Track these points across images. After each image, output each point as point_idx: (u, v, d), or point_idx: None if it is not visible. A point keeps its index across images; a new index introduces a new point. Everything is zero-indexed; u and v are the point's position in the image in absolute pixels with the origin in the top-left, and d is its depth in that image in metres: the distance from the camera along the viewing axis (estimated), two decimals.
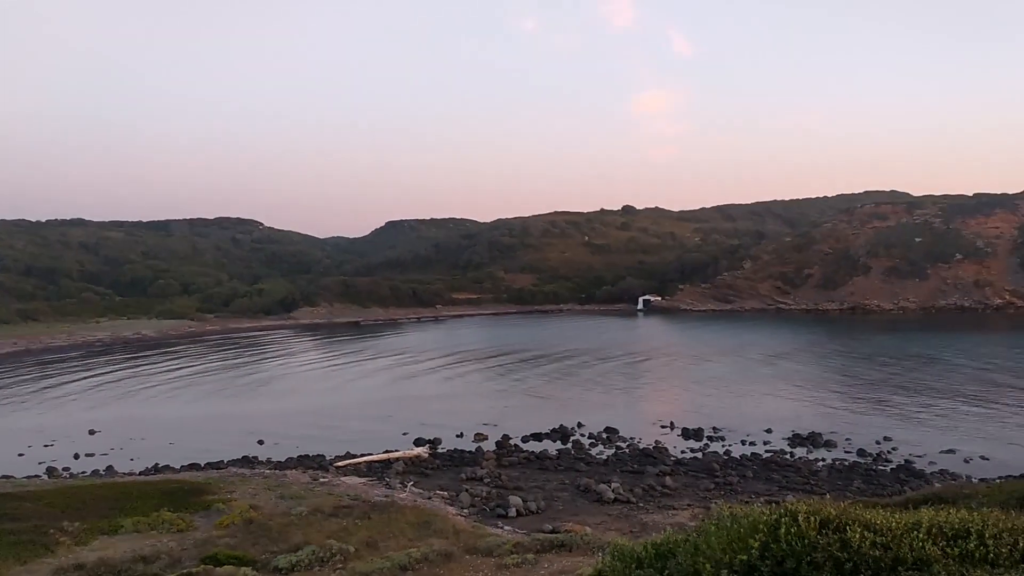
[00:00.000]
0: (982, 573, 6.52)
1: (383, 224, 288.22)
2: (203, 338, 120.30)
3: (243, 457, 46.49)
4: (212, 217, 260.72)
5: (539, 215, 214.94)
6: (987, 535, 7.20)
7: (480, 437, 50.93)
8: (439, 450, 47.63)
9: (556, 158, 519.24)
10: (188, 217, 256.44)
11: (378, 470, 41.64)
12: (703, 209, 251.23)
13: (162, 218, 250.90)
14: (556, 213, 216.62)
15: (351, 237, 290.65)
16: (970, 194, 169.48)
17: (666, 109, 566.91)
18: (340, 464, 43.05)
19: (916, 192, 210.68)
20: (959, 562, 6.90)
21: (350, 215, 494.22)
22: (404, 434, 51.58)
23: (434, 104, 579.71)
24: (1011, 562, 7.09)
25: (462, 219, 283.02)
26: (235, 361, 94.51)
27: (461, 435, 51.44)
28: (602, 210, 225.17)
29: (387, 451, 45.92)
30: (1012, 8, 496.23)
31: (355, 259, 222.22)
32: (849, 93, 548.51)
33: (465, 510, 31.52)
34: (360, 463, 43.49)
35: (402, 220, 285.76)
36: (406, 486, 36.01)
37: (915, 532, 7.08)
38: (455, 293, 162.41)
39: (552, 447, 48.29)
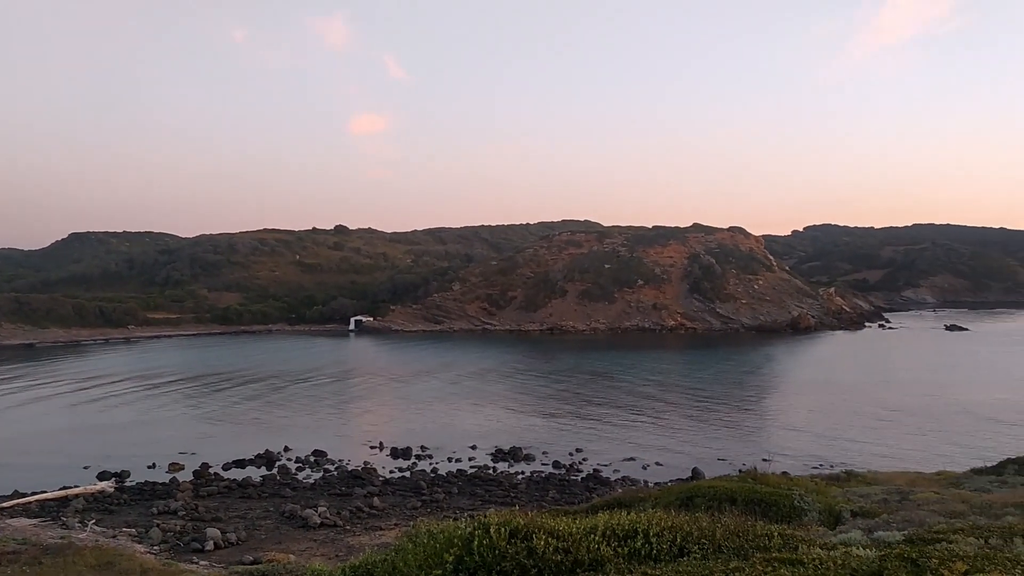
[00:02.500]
0: (647, 568, 7.23)
1: (66, 236, 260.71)
2: None
3: None
4: None
5: (247, 232, 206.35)
6: (651, 534, 7.99)
7: (175, 467, 47.46)
8: (127, 483, 43.62)
9: (266, 175, 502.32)
10: None
11: (53, 509, 37.15)
12: (415, 231, 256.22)
13: None
14: (266, 231, 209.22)
15: (25, 249, 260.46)
16: (650, 226, 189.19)
17: (381, 131, 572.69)
18: (5, 505, 37.85)
19: (606, 223, 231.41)
20: (628, 560, 7.59)
21: (24, 225, 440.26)
22: (86, 467, 46.64)
23: (127, 107, 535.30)
24: (670, 556, 7.94)
25: (160, 233, 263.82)
26: None
27: (153, 466, 47.56)
28: (314, 229, 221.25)
29: (64, 488, 41.17)
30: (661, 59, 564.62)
31: (30, 273, 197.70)
32: (544, 128, 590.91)
33: (156, 547, 29.09)
34: (31, 502, 38.55)
35: (88, 232, 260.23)
36: (87, 525, 32.46)
37: (592, 535, 7.69)
38: (151, 312, 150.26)
39: (256, 474, 46.27)
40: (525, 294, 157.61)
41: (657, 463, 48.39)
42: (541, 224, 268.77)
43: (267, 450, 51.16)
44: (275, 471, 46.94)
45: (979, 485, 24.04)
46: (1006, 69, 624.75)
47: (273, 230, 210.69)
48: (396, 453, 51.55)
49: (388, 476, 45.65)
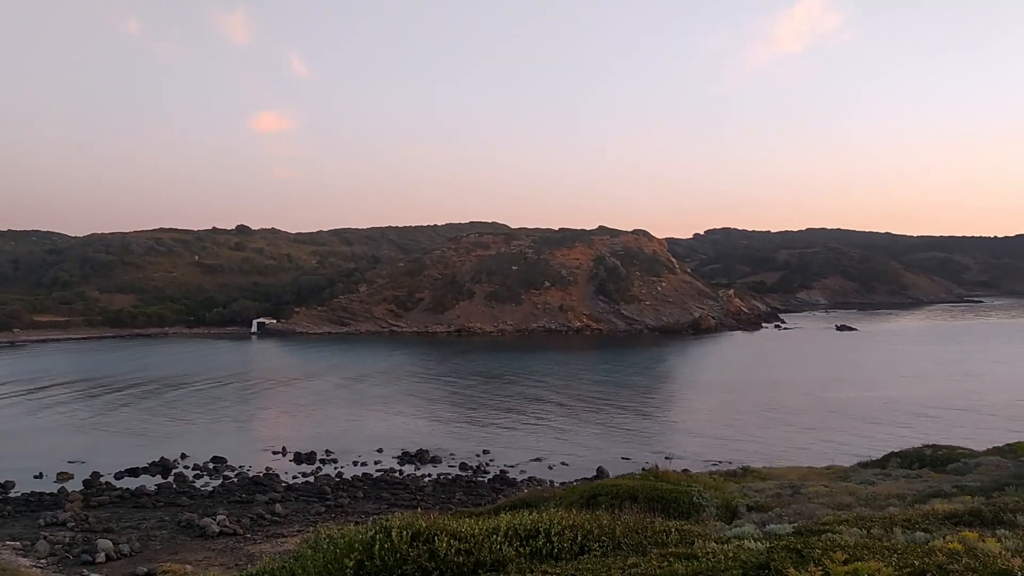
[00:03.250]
0: (547, 567, 7.31)
1: None
2: None
3: None
4: None
5: (142, 231, 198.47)
6: (553, 533, 8.08)
7: (64, 476, 45.28)
8: (10, 494, 41.38)
9: (163, 172, 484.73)
10: None
11: None
12: (321, 232, 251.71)
13: None
14: (162, 230, 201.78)
15: None
16: (556, 228, 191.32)
17: (285, 130, 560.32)
18: None
19: (513, 224, 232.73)
20: (530, 559, 7.66)
21: None
22: None
23: (9, 98, 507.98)
24: (571, 555, 8.05)
25: (48, 232, 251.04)
26: None
27: (40, 475, 45.25)
28: (214, 229, 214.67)
29: None
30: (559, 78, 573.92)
31: None
32: (452, 130, 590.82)
33: (43, 560, 27.76)
34: None
35: None
36: None
37: (495, 536, 7.73)
38: (38, 315, 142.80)
39: (151, 482, 44.59)
40: (433, 296, 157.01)
41: (563, 463, 48.96)
42: (449, 226, 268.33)
43: (162, 457, 49.38)
44: (171, 479, 45.36)
45: (865, 478, 25.22)
46: (895, 80, 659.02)
47: (170, 229, 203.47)
48: (300, 458, 50.54)
49: (291, 482, 44.73)
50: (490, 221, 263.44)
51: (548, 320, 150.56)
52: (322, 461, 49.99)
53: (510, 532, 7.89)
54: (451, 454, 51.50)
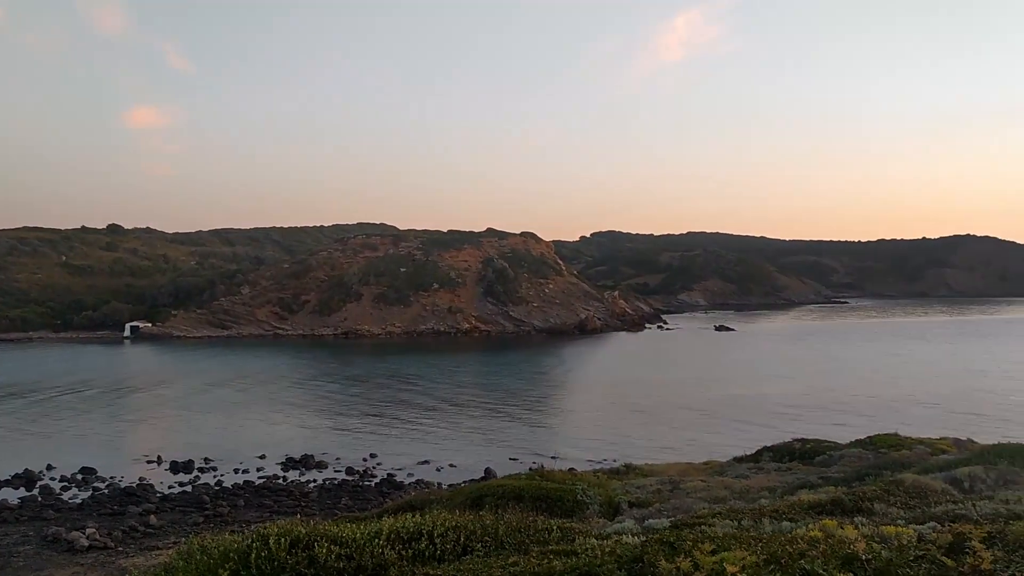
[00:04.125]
0: (429, 569, 7.31)
1: None
2: None
3: None
4: None
5: (4, 230, 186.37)
6: (436, 535, 8.09)
7: None
8: None
9: (26, 168, 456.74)
10: None
11: None
12: (200, 232, 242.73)
13: None
14: (27, 229, 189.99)
15: None
16: (445, 230, 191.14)
17: (163, 126, 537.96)
18: None
19: (402, 226, 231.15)
20: (412, 562, 7.64)
21: None
22: None
23: None
24: (454, 555, 8.07)
25: None
26: None
27: None
28: (84, 228, 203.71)
29: None
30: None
31: None
32: (339, 129, 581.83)
33: None
34: None
35: None
36: None
37: (376, 540, 7.67)
38: None
39: (13, 496, 41.89)
40: (319, 298, 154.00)
41: (451, 465, 48.93)
42: (335, 227, 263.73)
43: (26, 469, 46.49)
44: (36, 492, 42.79)
45: (739, 472, 26.30)
46: (769, 90, 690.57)
47: (35, 228, 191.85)
48: (176, 467, 48.60)
49: (167, 492, 42.95)
50: (378, 222, 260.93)
51: (437, 322, 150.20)
52: (200, 469, 48.23)
53: (392, 535, 7.85)
54: (337, 459, 50.65)
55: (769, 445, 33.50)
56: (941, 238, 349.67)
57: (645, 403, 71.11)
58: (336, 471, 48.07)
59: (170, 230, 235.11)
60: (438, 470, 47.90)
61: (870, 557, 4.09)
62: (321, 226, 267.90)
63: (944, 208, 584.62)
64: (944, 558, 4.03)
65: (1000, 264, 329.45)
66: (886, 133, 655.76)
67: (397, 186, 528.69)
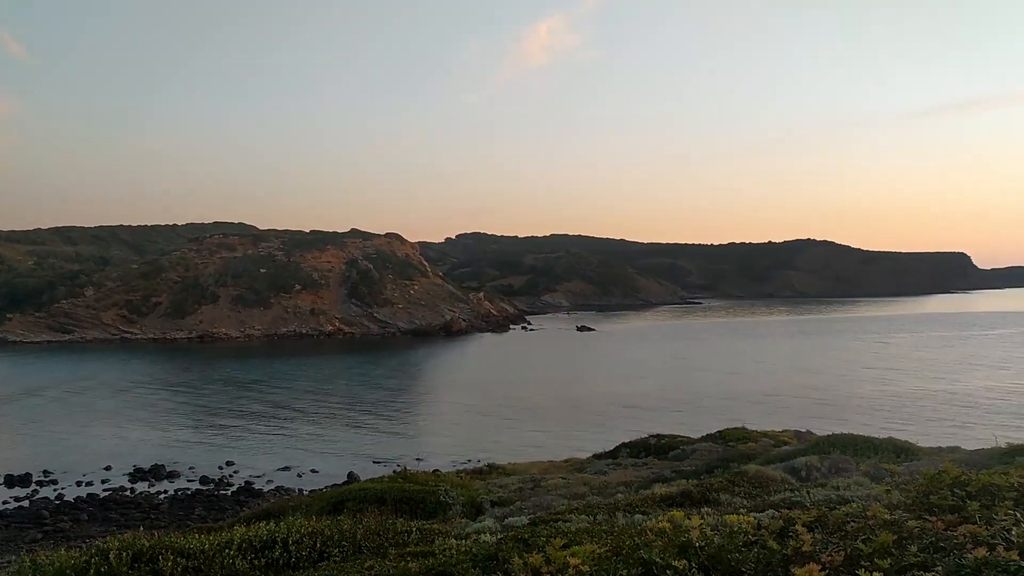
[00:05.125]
0: None
1: None
2: None
3: None
4: None
5: None
6: (291, 542, 7.93)
7: None
8: None
9: None
10: None
11: None
12: (39, 230, 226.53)
13: None
14: None
15: None
16: (308, 231, 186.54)
17: None
18: None
19: (262, 226, 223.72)
20: (265, 571, 7.45)
21: None
22: None
23: None
24: (310, 562, 7.94)
25: None
26: None
27: None
28: None
29: None
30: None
31: None
32: (194, 123, 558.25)
33: None
34: None
35: None
36: None
37: (227, 550, 7.43)
38: None
39: None
40: (172, 300, 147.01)
41: (313, 470, 47.86)
42: (190, 226, 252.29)
43: None
44: None
45: (598, 468, 27.08)
46: (633, 97, 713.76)
47: None
48: (11, 481, 45.24)
49: (1, 508, 39.92)
50: (236, 222, 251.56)
51: (299, 324, 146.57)
52: (39, 483, 45.10)
53: (245, 545, 7.64)
54: (191, 468, 48.53)
55: (627, 442, 34.63)
56: (786, 242, 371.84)
57: (509, 403, 71.91)
58: (190, 481, 46.07)
59: (5, 228, 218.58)
60: (299, 476, 46.76)
61: (703, 544, 4.34)
62: (175, 225, 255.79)
63: (789, 214, 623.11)
64: (772, 543, 4.32)
65: (837, 267, 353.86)
66: (738, 142, 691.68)
67: (258, 185, 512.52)
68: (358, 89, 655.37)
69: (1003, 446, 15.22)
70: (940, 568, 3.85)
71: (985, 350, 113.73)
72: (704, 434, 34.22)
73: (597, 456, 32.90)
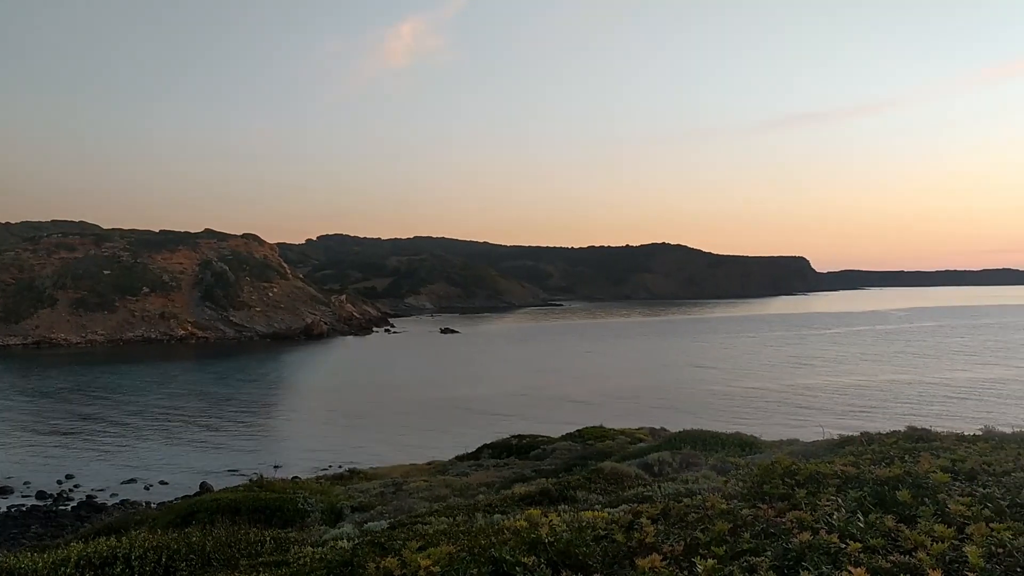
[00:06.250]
0: None
1: None
2: None
3: None
4: None
5: None
6: (133, 557, 7.56)
7: None
8: None
9: None
10: None
11: None
12: None
13: None
14: None
15: None
16: (157, 230, 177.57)
17: None
18: None
19: (105, 225, 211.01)
20: None
21: None
22: None
23: None
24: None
25: None
26: None
27: None
28: None
29: None
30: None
31: None
32: (28, 115, 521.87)
33: None
34: None
35: None
36: None
37: (63, 568, 7.03)
38: None
39: None
40: (4, 304, 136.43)
41: (162, 482, 45.63)
42: (25, 224, 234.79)
43: None
44: None
45: (460, 470, 27.19)
46: (491, 99, 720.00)
47: None
48: None
49: None
50: (77, 220, 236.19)
51: (147, 329, 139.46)
52: None
53: (83, 562, 7.22)
54: (26, 483, 45.15)
55: (489, 443, 34.95)
56: (642, 246, 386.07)
57: (371, 407, 71.09)
58: (24, 496, 42.87)
59: None
60: (147, 489, 44.45)
61: (552, 540, 4.47)
62: (8, 223, 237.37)
63: (645, 219, 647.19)
64: (619, 536, 4.51)
65: (689, 270, 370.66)
66: (596, 149, 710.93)
67: (101, 182, 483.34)
68: (210, 83, 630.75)
69: (835, 438, 16.35)
70: (769, 553, 4.12)
71: (822, 348, 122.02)
72: (564, 433, 35.00)
73: (460, 458, 33.03)
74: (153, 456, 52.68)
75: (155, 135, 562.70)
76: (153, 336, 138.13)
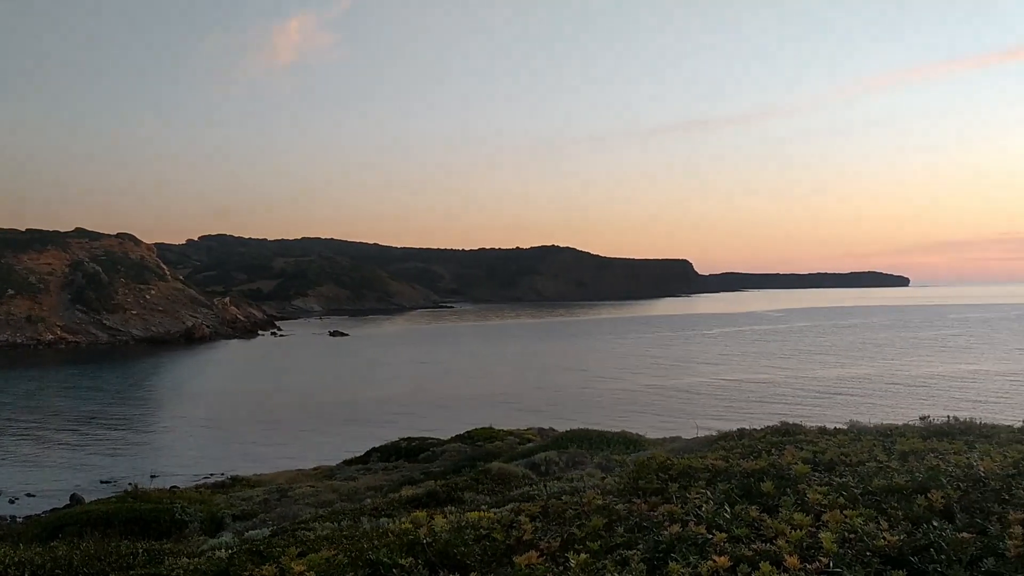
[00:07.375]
0: None
1: None
2: None
3: None
4: None
5: None
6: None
7: None
8: None
9: None
10: None
11: None
12: None
13: None
14: None
15: None
16: (23, 229, 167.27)
17: None
18: None
19: None
20: None
21: None
22: None
23: None
24: None
25: None
26: None
27: None
28: None
29: None
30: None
31: None
32: None
33: None
34: None
35: None
36: None
37: None
38: None
39: None
40: None
41: (28, 495, 43.01)
42: None
43: None
44: None
45: (348, 474, 26.84)
46: (379, 97, 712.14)
47: None
48: None
49: None
50: None
51: (12, 333, 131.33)
52: None
53: None
54: None
55: (377, 446, 34.63)
56: (532, 248, 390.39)
57: (256, 413, 69.13)
58: None
59: None
60: (11, 502, 41.81)
61: (431, 541, 4.50)
62: None
63: (535, 221, 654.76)
64: (498, 534, 4.58)
65: (578, 272, 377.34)
66: (487, 151, 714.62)
67: None
68: (83, 78, 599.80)
69: (715, 434, 17.02)
70: (641, 546, 4.28)
71: (705, 348, 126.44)
72: (454, 435, 35.01)
73: (348, 462, 32.59)
74: (18, 467, 49.63)
75: (23, 130, 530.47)
76: (18, 341, 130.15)
